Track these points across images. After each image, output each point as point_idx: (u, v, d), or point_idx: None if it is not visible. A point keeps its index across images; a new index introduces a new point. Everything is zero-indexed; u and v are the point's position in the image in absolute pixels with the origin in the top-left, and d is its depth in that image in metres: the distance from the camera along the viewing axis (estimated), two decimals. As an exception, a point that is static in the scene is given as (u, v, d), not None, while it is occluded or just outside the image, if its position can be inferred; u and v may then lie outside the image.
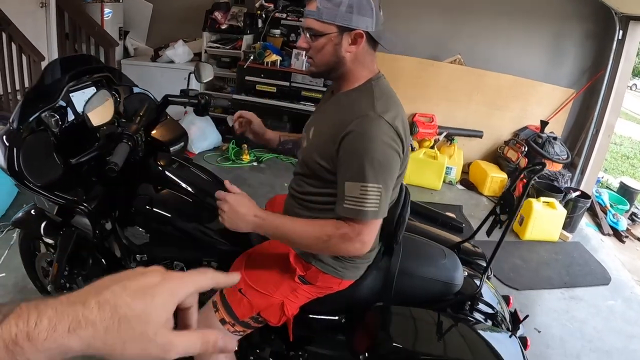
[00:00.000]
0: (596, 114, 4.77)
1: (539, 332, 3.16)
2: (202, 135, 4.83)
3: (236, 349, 1.75)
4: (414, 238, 2.03)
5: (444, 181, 4.88)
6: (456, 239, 2.34)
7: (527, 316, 2.03)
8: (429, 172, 4.74)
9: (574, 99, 5.05)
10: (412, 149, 4.80)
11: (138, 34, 5.46)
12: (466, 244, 2.32)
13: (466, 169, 5.09)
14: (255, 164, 4.86)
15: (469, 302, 1.87)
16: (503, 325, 1.93)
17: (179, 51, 5.01)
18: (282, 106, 4.82)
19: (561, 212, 4.10)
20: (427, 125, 4.99)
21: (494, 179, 4.76)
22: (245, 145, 4.89)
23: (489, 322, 1.89)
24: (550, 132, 4.84)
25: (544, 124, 4.76)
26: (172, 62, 5.04)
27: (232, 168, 4.74)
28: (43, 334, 0.42)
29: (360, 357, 1.65)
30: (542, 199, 4.13)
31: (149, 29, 5.55)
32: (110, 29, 4.87)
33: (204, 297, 1.70)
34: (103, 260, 2.06)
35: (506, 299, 2.27)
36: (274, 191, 4.41)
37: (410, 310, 1.80)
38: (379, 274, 1.81)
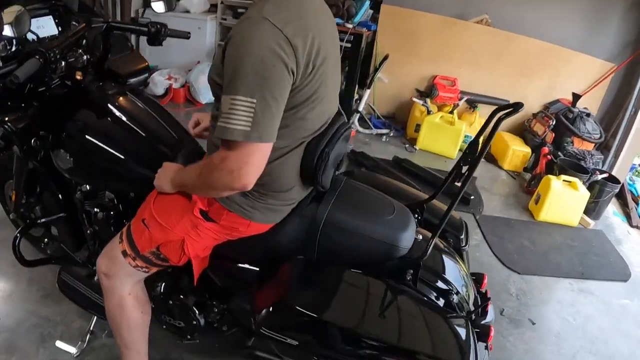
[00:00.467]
0: (636, 92, 4.06)
1: (533, 324, 2.69)
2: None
3: None
4: (360, 187, 1.65)
5: (461, 150, 4.35)
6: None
7: (488, 299, 1.69)
8: (444, 139, 4.22)
9: (613, 73, 4.31)
10: (429, 112, 4.27)
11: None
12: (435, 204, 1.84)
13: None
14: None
15: (411, 271, 1.48)
16: (461, 307, 1.56)
17: (195, 0, 4.62)
18: None
19: (583, 195, 3.52)
20: (448, 88, 4.41)
21: (516, 152, 4.17)
22: (257, 98, 4.53)
23: (440, 300, 1.53)
24: (584, 108, 4.18)
25: (576, 97, 4.09)
26: (187, 11, 4.66)
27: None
28: None
29: (257, 314, 1.41)
30: (563, 177, 3.55)
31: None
32: None
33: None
34: (59, 193, 1.94)
35: (479, 278, 1.88)
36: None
37: (334, 270, 1.49)
38: (302, 222, 1.49)
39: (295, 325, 1.41)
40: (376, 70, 4.30)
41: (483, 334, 1.54)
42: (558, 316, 2.78)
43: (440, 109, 4.35)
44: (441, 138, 4.23)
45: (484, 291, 1.80)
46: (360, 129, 4.42)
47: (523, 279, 3.03)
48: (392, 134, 4.48)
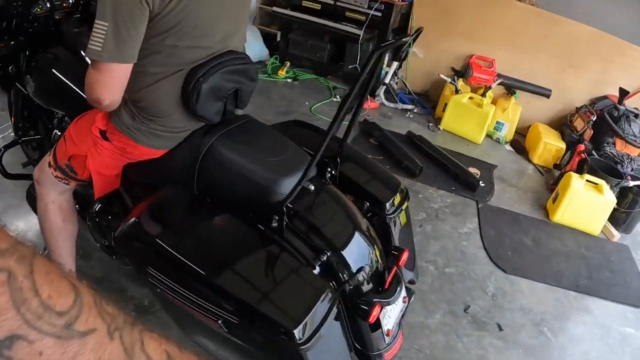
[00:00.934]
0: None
1: (501, 329, 2.30)
2: (246, 46, 4.31)
3: None
4: (261, 127, 1.57)
5: (490, 137, 3.84)
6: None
7: (397, 282, 1.52)
8: (469, 121, 3.74)
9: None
10: (457, 91, 3.79)
11: None
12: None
13: (525, 132, 3.91)
14: (289, 80, 4.27)
15: (277, 217, 1.36)
16: (335, 272, 1.40)
17: None
18: (323, 24, 4.08)
19: (608, 200, 2.94)
20: (485, 70, 3.88)
21: (548, 146, 3.58)
22: (288, 63, 4.32)
23: (313, 260, 1.37)
24: (634, 108, 3.46)
25: (623, 93, 3.40)
26: None
27: (265, 81, 4.21)
28: None
29: (107, 237, 1.55)
30: (587, 176, 2.96)
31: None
32: None
33: None
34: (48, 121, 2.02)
35: (396, 253, 1.65)
36: (291, 109, 3.83)
37: (200, 204, 1.46)
38: (185, 152, 1.47)
39: (137, 249, 1.37)
40: (409, 44, 3.89)
41: (363, 311, 1.39)
42: (535, 328, 2.34)
43: (474, 90, 3.84)
44: (467, 120, 3.75)
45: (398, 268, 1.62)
46: (386, 102, 4.05)
47: (508, 279, 2.59)
48: (417, 111, 4.06)
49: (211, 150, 1.42)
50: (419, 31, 3.89)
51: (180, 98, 1.36)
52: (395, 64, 3.93)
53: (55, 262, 1.39)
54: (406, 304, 1.73)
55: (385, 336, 1.61)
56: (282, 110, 3.85)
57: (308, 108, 3.87)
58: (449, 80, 3.83)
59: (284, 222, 1.36)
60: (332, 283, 1.39)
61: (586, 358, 2.24)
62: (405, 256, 1.74)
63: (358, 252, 1.52)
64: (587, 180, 2.97)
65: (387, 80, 3.97)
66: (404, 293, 1.72)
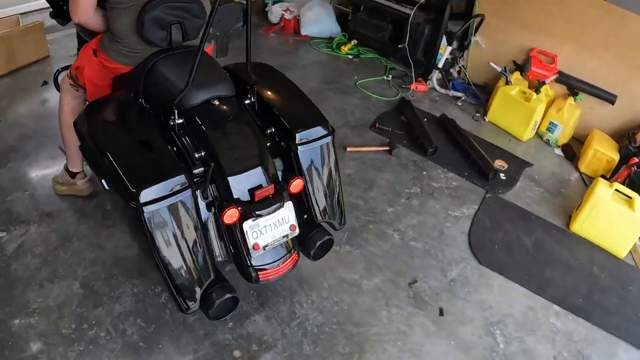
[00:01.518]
0: None
1: (441, 315, 1.99)
2: (316, 20, 4.34)
3: None
4: (204, 57, 1.60)
5: (541, 137, 3.27)
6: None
7: (277, 202, 1.59)
8: (515, 115, 3.24)
9: None
10: (507, 82, 3.31)
11: None
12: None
13: (583, 139, 3.24)
14: (350, 57, 4.15)
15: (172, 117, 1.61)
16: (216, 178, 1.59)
17: None
18: (382, 4, 3.89)
19: (639, 219, 2.28)
20: (545, 65, 3.29)
21: (598, 154, 2.91)
22: (355, 41, 4.21)
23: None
24: None
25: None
26: None
27: (327, 54, 4.16)
28: None
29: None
30: (617, 186, 2.36)
31: None
32: None
33: None
34: None
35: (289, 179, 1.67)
36: (338, 80, 3.74)
37: (128, 102, 1.75)
38: (140, 68, 1.75)
39: (81, 129, 1.66)
40: (471, 32, 3.51)
41: (220, 209, 1.53)
42: (486, 327, 1.98)
43: (533, 86, 3.30)
44: (512, 113, 3.24)
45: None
46: (437, 87, 3.70)
47: (479, 270, 2.22)
48: (467, 100, 3.63)
49: (152, 67, 1.71)
50: (480, 20, 3.49)
51: (135, 26, 1.67)
52: (449, 49, 3.57)
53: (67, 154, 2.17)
54: (294, 232, 1.61)
55: (252, 249, 1.54)
56: (329, 80, 3.77)
57: (354, 82, 3.74)
58: (499, 69, 3.34)
59: (176, 120, 1.59)
60: (198, 178, 1.56)
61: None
62: (296, 182, 1.66)
63: (237, 165, 1.58)
64: (617, 190, 2.36)
65: (440, 65, 3.63)
66: (289, 220, 1.61)
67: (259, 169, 1.58)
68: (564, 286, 2.21)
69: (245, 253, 1.56)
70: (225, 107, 1.69)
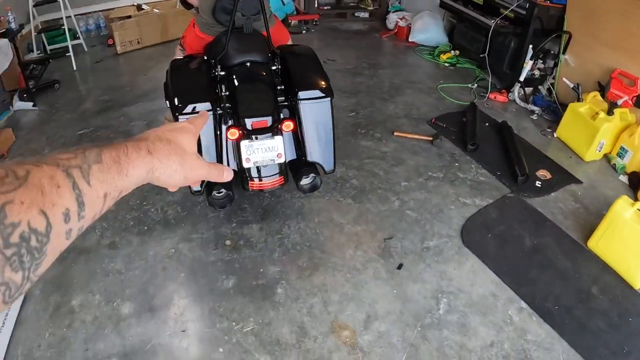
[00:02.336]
0: None
1: (398, 268, 2.07)
2: (424, 29, 4.42)
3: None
4: (257, 32, 2.22)
5: (609, 161, 2.81)
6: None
7: (269, 132, 1.93)
8: (580, 133, 2.84)
9: None
10: (578, 99, 2.90)
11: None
12: None
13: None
14: (447, 64, 4.13)
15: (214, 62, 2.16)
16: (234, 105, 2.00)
17: None
18: (478, 20, 3.74)
19: None
20: (625, 87, 2.76)
21: None
22: (457, 52, 4.17)
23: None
24: None
25: None
26: None
27: (428, 60, 4.22)
28: (134, 155, 0.44)
29: None
30: None
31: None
32: None
33: None
34: None
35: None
36: (420, 80, 3.79)
37: (199, 60, 2.24)
38: (215, 40, 2.26)
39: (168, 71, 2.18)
40: (560, 50, 3.16)
41: (225, 120, 2.00)
42: (435, 293, 1.96)
43: (611, 108, 2.82)
44: (579, 131, 2.84)
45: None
46: (518, 100, 3.44)
47: (458, 249, 2.16)
48: (543, 115, 3.28)
49: (218, 38, 2.23)
50: (568, 37, 3.13)
51: (211, 9, 2.17)
52: (530, 63, 3.27)
53: None
54: (280, 158, 1.93)
55: (244, 160, 1.91)
56: (414, 80, 3.86)
57: (437, 85, 3.73)
58: (571, 85, 2.94)
59: (218, 72, 2.10)
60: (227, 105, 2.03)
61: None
62: (287, 123, 2.07)
63: (249, 111, 2.00)
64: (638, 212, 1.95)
65: (521, 79, 3.36)
66: (277, 149, 1.96)
67: (266, 107, 1.98)
68: (545, 290, 1.97)
69: (240, 163, 1.95)
70: (254, 68, 2.12)
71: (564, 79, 3.12)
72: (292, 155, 2.14)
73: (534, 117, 3.31)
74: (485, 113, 3.32)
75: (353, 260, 2.06)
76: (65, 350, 1.65)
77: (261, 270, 2.01)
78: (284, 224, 2.26)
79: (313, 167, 2.13)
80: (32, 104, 3.26)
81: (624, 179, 2.72)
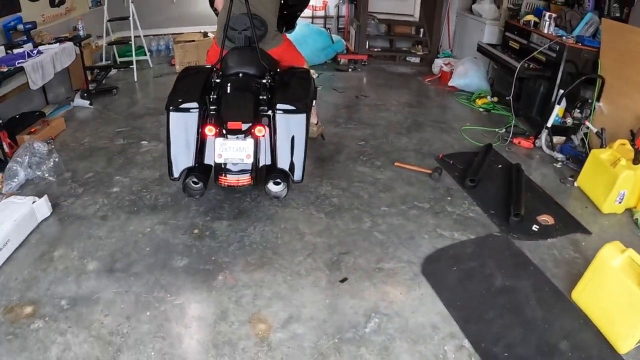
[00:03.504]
0: None
1: (341, 281, 2.03)
2: (464, 74, 4.45)
3: None
4: (253, 50, 2.49)
5: (632, 215, 2.50)
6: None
7: (241, 134, 2.20)
8: (599, 181, 2.60)
9: None
10: (602, 144, 2.66)
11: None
12: None
13: None
14: (482, 110, 4.05)
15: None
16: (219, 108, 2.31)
17: (485, 7, 4.52)
18: (508, 62, 3.71)
19: None
20: None
21: None
22: (496, 98, 4.11)
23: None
24: None
25: None
26: (480, 15, 4.64)
27: (463, 105, 4.20)
28: None
29: None
30: (632, 253, 1.72)
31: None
32: None
33: None
34: None
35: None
36: (445, 121, 3.80)
37: (204, 69, 2.56)
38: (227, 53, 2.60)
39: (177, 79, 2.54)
40: (594, 97, 2.98)
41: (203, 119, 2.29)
42: (367, 310, 1.89)
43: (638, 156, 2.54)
44: (598, 180, 2.57)
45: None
46: (544, 147, 3.23)
47: (414, 275, 2.08)
48: (567, 164, 3.04)
49: (228, 53, 2.50)
50: (601, 83, 2.94)
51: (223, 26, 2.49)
52: (557, 108, 3.08)
53: None
54: (248, 159, 2.20)
55: (216, 156, 2.14)
56: (439, 120, 3.88)
57: (461, 127, 3.68)
58: (595, 130, 2.69)
59: (214, 79, 2.38)
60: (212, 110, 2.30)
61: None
62: (258, 128, 2.28)
63: (229, 115, 2.25)
64: (631, 259, 1.69)
65: (548, 124, 3.17)
66: (247, 150, 2.21)
67: (244, 116, 2.21)
68: (498, 334, 1.77)
69: (210, 152, 2.18)
70: (245, 79, 2.38)
71: (586, 123, 2.91)
72: (268, 161, 2.31)
73: (558, 165, 3.09)
74: (502, 156, 3.18)
75: (299, 266, 2.07)
76: (32, 286, 1.93)
77: (213, 258, 2.12)
78: (251, 225, 2.36)
79: (285, 175, 2.27)
80: (89, 102, 3.88)
81: (642, 234, 2.40)
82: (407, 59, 5.61)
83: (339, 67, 5.30)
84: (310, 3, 5.88)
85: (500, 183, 2.81)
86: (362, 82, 4.93)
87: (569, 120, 3.29)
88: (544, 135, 3.29)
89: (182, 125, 2.24)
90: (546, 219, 2.48)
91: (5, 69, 2.86)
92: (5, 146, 2.90)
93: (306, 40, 5.05)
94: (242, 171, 2.21)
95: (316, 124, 3.29)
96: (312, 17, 5.92)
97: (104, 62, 4.79)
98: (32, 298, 1.87)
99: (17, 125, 3.21)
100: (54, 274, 2.01)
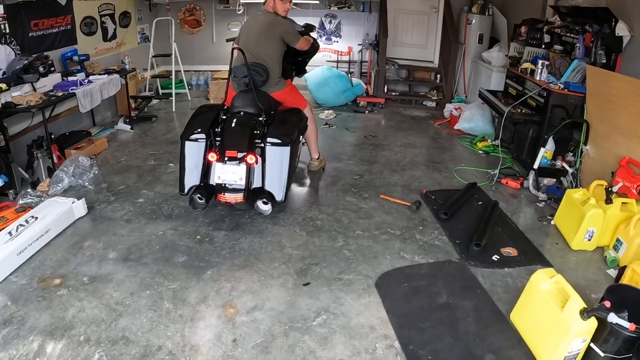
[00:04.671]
0: None
1: (304, 285, 2.46)
2: (470, 119, 4.82)
3: None
4: (251, 94, 3.11)
5: (602, 253, 2.75)
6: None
7: (235, 161, 3.04)
8: (570, 219, 2.87)
9: None
10: (576, 185, 2.94)
11: (503, 42, 5.39)
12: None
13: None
14: (481, 152, 4.42)
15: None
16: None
17: (494, 55, 4.92)
18: (498, 107, 4.14)
19: (567, 324, 1.90)
20: (631, 176, 2.70)
21: (635, 276, 2.25)
22: (497, 141, 4.46)
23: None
24: None
25: None
26: (489, 62, 5.07)
27: (464, 147, 4.59)
28: None
29: None
30: (560, 279, 2.02)
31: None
32: (471, 33, 5.43)
33: None
34: None
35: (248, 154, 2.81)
36: (440, 160, 4.22)
37: (216, 109, 3.17)
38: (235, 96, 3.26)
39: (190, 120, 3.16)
40: (581, 141, 3.30)
41: (208, 148, 2.95)
42: (319, 309, 2.28)
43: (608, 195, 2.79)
44: (570, 218, 2.83)
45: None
46: (531, 188, 3.52)
47: (367, 287, 2.47)
48: (550, 204, 3.32)
49: (235, 95, 3.16)
50: (586, 127, 3.25)
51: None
52: (542, 150, 3.40)
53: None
54: (240, 182, 2.80)
55: (215, 177, 2.79)
56: (436, 160, 4.27)
57: (455, 167, 4.06)
58: (570, 170, 2.98)
59: (221, 116, 3.04)
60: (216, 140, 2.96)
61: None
62: (250, 156, 2.87)
63: (230, 146, 2.85)
64: (560, 284, 1.98)
65: (535, 166, 3.48)
66: (239, 174, 2.84)
67: (240, 147, 2.80)
68: (427, 341, 2.07)
69: (211, 174, 2.81)
70: (246, 117, 3.00)
71: (558, 161, 3.20)
72: (259, 184, 2.86)
73: (541, 204, 3.36)
74: (487, 194, 3.51)
75: (273, 270, 2.52)
76: (63, 265, 2.54)
77: (207, 258, 2.63)
78: (244, 236, 2.86)
79: (271, 196, 2.85)
80: (130, 127, 4.66)
81: (612, 272, 2.61)
82: (424, 103, 6.09)
83: (357, 108, 5.85)
84: (336, 48, 6.66)
85: (475, 217, 3.13)
86: (375, 123, 5.44)
87: (558, 163, 3.56)
88: (531, 176, 3.59)
89: (192, 152, 2.88)
90: (510, 250, 2.78)
91: (60, 94, 3.66)
92: (54, 157, 3.66)
93: (327, 82, 5.71)
94: (236, 190, 2.76)
95: (317, 159, 3.81)
96: (337, 62, 6.61)
97: (147, 93, 5.67)
98: (61, 273, 2.46)
99: (66, 141, 3.99)
100: (81, 258, 2.61)
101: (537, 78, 3.77)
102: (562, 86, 3.57)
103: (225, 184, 2.76)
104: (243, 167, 2.73)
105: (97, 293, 2.32)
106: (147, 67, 5.65)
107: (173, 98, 5.48)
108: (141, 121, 4.97)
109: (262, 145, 2.86)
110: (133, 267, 2.54)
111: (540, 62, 3.76)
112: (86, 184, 3.44)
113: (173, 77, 5.49)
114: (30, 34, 3.84)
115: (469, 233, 2.94)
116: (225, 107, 3.10)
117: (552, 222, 3.11)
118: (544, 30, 4.11)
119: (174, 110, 5.49)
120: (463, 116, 4.90)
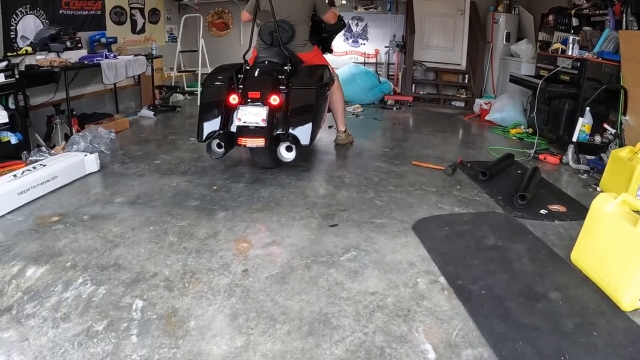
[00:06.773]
0: None
1: (330, 226, 2.17)
2: (500, 109, 4.55)
3: None
4: (278, 48, 2.99)
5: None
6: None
7: (257, 102, 2.69)
8: (619, 179, 2.52)
9: None
10: (621, 145, 2.57)
11: (530, 39, 5.14)
12: None
13: None
14: (514, 138, 4.08)
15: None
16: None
17: (522, 47, 4.75)
18: (530, 82, 3.88)
19: None
20: None
21: None
22: (530, 130, 4.13)
23: None
24: None
25: None
26: (518, 55, 4.88)
27: (497, 134, 4.26)
28: None
29: None
30: (629, 198, 1.69)
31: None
32: (498, 32, 5.31)
33: None
34: None
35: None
36: (474, 144, 3.87)
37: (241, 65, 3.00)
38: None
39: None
40: (620, 111, 2.96)
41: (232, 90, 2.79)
42: (348, 247, 2.00)
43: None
44: (618, 178, 2.49)
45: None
46: (571, 163, 3.17)
47: (403, 229, 2.17)
48: (592, 174, 2.95)
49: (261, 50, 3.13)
50: (624, 95, 2.92)
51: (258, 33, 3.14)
52: (580, 121, 3.06)
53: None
54: (263, 123, 2.58)
55: (235, 118, 2.58)
56: (470, 142, 3.98)
57: (488, 147, 3.74)
58: (612, 131, 2.60)
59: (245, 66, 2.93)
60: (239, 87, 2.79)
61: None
62: (272, 97, 2.69)
63: (252, 82, 2.74)
64: (627, 203, 1.64)
65: (574, 139, 3.13)
66: (261, 115, 2.63)
67: (263, 93, 2.63)
68: (478, 277, 1.75)
69: (235, 123, 2.62)
70: (269, 65, 2.83)
71: (604, 125, 2.85)
72: (282, 130, 2.63)
73: (583, 176, 3.02)
74: (524, 166, 3.18)
75: (295, 214, 2.26)
76: (65, 206, 2.35)
77: (221, 203, 2.39)
78: (264, 187, 2.62)
79: (295, 139, 2.60)
80: (153, 113, 4.56)
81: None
82: (452, 103, 5.85)
83: (385, 106, 5.66)
84: (363, 50, 6.57)
85: (515, 181, 2.82)
86: (403, 117, 5.21)
87: (597, 139, 3.24)
88: (570, 150, 3.24)
89: (212, 95, 2.70)
90: (558, 207, 2.43)
91: (86, 62, 3.61)
92: (74, 130, 3.52)
93: (355, 79, 5.56)
94: (258, 133, 2.53)
95: (344, 132, 3.58)
96: (364, 64, 6.50)
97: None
98: (61, 212, 2.25)
99: (87, 118, 3.89)
100: (85, 201, 2.41)
101: (570, 54, 3.52)
102: (595, 55, 3.32)
103: (246, 125, 2.55)
104: (265, 108, 2.53)
105: (95, 228, 2.10)
106: (174, 67, 5.65)
107: (199, 94, 5.40)
108: (165, 111, 4.89)
109: (287, 91, 2.66)
110: (139, 208, 2.32)
111: (571, 38, 3.55)
112: (102, 148, 3.27)
113: (199, 72, 5.44)
114: (60, 11, 3.86)
115: (511, 192, 2.61)
116: (247, 61, 2.95)
117: (598, 189, 2.74)
118: (572, 14, 3.89)
119: (199, 104, 5.38)
120: (494, 107, 4.64)
